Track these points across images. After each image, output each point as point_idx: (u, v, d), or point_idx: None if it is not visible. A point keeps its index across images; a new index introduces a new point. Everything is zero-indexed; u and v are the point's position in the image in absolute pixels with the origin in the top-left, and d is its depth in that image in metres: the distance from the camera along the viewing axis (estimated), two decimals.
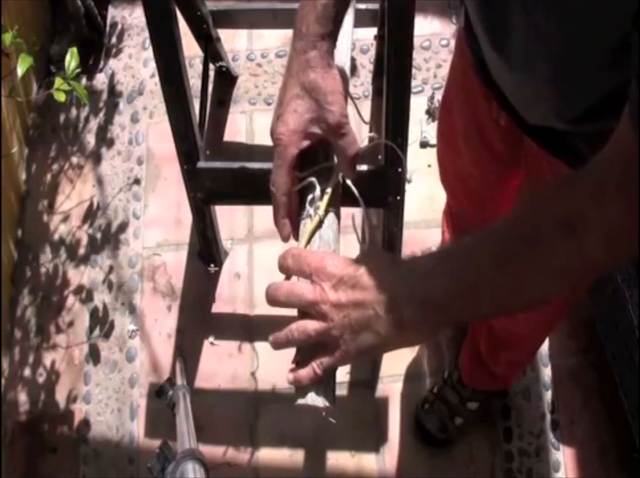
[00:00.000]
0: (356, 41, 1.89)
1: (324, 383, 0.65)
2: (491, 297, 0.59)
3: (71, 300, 1.74)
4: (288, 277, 0.67)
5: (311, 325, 0.62)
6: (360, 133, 1.70)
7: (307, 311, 0.63)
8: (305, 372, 0.63)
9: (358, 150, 0.72)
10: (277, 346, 0.65)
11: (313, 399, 0.64)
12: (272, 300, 0.65)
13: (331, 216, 0.72)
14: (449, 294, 0.58)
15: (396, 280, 0.60)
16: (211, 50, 1.70)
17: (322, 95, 0.69)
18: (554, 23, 0.61)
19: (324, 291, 0.61)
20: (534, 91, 0.74)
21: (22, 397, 1.66)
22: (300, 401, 0.65)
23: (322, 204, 0.72)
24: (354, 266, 0.61)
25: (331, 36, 0.70)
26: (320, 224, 0.71)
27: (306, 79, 0.69)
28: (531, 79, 0.72)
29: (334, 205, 0.73)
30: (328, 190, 0.73)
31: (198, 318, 1.69)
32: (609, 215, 0.52)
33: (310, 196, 0.73)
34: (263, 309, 1.67)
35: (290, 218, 0.73)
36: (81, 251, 1.79)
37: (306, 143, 0.70)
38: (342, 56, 0.95)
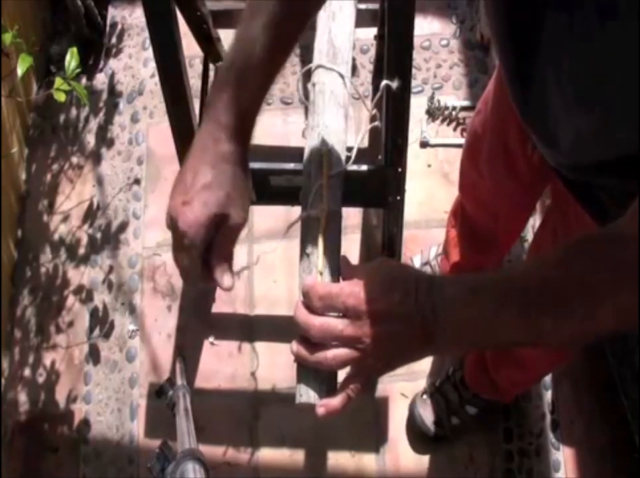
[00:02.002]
0: (356, 41, 1.88)
1: (327, 382, 0.65)
2: (509, 338, 0.62)
3: (71, 300, 1.74)
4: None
5: (350, 355, 0.63)
6: (362, 129, 1.70)
7: (345, 344, 0.63)
8: (340, 402, 0.64)
9: (229, 263, 0.70)
10: (300, 360, 0.65)
11: (315, 398, 0.64)
12: (305, 335, 0.64)
13: (332, 214, 0.72)
14: (474, 329, 0.61)
15: (430, 306, 0.61)
16: (211, 50, 1.70)
17: (235, 195, 0.67)
18: (588, 120, 0.62)
19: (367, 327, 0.61)
20: (553, 155, 0.76)
21: (22, 397, 1.66)
22: (302, 400, 0.65)
23: (324, 202, 0.72)
24: (390, 295, 0.61)
25: (248, 128, 0.68)
26: (325, 221, 0.71)
27: (223, 170, 0.67)
28: (552, 151, 0.74)
29: (335, 204, 0.73)
30: (323, 182, 0.73)
31: (198, 319, 1.69)
32: (622, 297, 0.55)
33: (307, 196, 0.73)
34: (263, 309, 1.67)
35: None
36: (81, 251, 1.79)
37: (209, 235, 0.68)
38: (342, 56, 0.95)
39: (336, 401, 0.64)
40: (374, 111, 0.85)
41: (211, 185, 0.66)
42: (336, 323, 0.62)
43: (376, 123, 0.85)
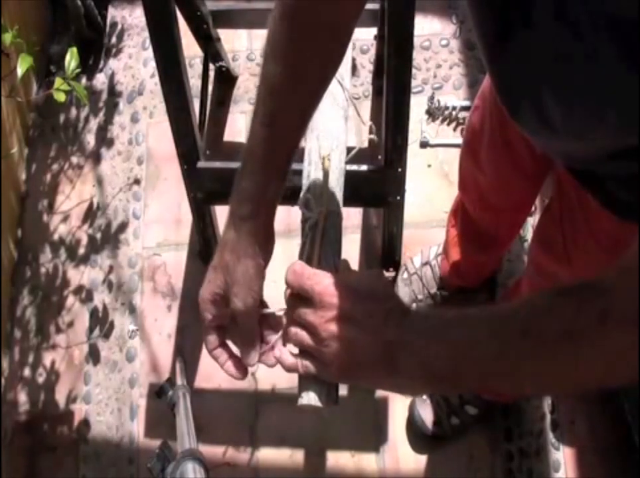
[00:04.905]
0: (356, 41, 1.89)
1: (327, 384, 0.65)
2: (482, 378, 0.59)
3: (71, 300, 1.74)
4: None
5: (307, 340, 0.63)
6: (361, 133, 1.70)
7: (305, 328, 0.63)
8: (289, 361, 0.65)
9: (252, 345, 0.71)
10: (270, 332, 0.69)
11: (316, 399, 0.64)
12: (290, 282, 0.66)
13: (332, 215, 0.72)
14: (442, 363, 0.58)
15: (399, 331, 0.59)
16: (211, 50, 1.70)
17: (231, 282, 0.70)
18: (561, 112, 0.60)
19: (327, 320, 0.61)
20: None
21: (22, 397, 1.66)
22: (303, 402, 0.64)
23: (323, 203, 0.72)
24: (362, 302, 0.60)
25: (255, 216, 0.70)
26: (325, 221, 0.71)
27: (223, 258, 0.70)
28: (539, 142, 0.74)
29: (335, 204, 0.73)
30: (322, 183, 0.73)
31: (198, 319, 1.69)
32: (610, 341, 0.52)
33: (306, 197, 0.73)
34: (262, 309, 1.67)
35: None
36: (81, 251, 1.79)
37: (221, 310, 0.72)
38: None
39: (287, 358, 0.65)
40: (370, 123, 0.86)
41: (215, 267, 0.70)
42: (305, 302, 0.63)
43: (373, 137, 0.86)
